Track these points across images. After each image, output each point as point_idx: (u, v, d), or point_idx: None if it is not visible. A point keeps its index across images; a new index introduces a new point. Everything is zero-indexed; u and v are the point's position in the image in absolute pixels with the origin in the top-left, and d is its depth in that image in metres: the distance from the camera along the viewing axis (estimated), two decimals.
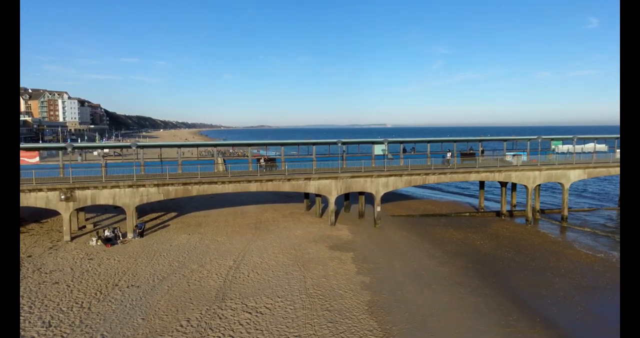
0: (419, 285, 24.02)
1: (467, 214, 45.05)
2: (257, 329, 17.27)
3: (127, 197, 31.31)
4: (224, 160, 37.49)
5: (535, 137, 41.77)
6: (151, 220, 38.03)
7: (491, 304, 22.06)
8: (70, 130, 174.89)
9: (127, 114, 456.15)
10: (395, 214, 44.22)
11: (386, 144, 38.58)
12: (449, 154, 40.50)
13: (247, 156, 41.02)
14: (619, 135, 46.83)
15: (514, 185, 49.11)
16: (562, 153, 45.13)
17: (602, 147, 47.61)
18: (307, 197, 43.83)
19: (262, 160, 37.57)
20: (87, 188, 30.33)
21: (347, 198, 44.26)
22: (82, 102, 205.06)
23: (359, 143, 42.48)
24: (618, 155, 45.51)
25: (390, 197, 55.65)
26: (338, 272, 24.64)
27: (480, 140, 43.05)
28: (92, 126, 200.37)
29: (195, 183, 32.60)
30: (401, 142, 42.34)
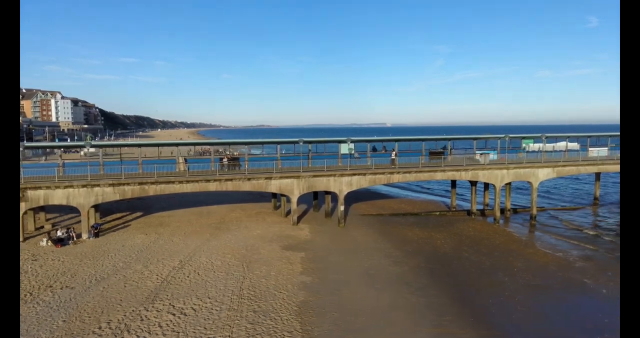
0: (363, 284, 23.80)
1: (438, 213, 44.79)
2: (174, 331, 17.05)
3: (82, 197, 31.09)
4: (185, 159, 37.20)
5: (503, 135, 41.45)
6: (114, 220, 37.84)
7: (432, 304, 21.83)
8: (63, 130, 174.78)
9: (125, 114, 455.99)
10: (365, 213, 43.99)
11: (348, 142, 38.30)
12: (393, 154, 40.06)
13: (215, 155, 40.71)
14: (590, 134, 46.60)
15: (486, 185, 48.84)
16: (533, 152, 44.81)
17: (574, 145, 47.31)
18: (274, 197, 43.61)
19: (224, 160, 37.32)
20: (40, 188, 30.10)
21: (316, 197, 44.04)
22: (75, 102, 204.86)
23: (321, 142, 42.20)
24: (592, 154, 45.25)
25: (366, 197, 55.47)
26: (281, 272, 24.40)
27: (449, 139, 42.76)
28: (86, 126, 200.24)
29: (152, 183, 32.37)
30: (368, 141, 42.05)
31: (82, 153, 71.46)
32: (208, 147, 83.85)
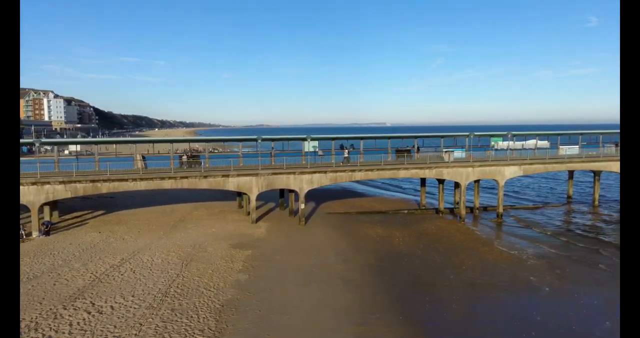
0: (300, 283, 23.51)
1: (406, 211, 44.49)
2: (82, 330, 16.76)
3: (32, 195, 30.82)
4: (143, 157, 36.90)
5: (467, 133, 41.11)
6: (73, 218, 37.58)
7: (365, 302, 21.55)
8: (56, 129, 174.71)
9: (123, 114, 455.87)
10: (332, 212, 43.71)
11: (308, 140, 37.99)
12: (345, 152, 39.67)
13: (179, 153, 40.39)
14: (561, 132, 46.25)
15: (457, 183, 48.53)
16: (502, 150, 44.51)
17: (544, 143, 46.96)
18: (239, 195, 43.32)
19: (184, 157, 37.04)
20: None
21: (282, 195, 43.74)
22: (69, 101, 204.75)
23: (280, 139, 41.90)
24: (562, 152, 44.92)
25: (341, 195, 55.23)
26: (218, 271, 24.12)
27: (416, 137, 42.43)
28: (79, 125, 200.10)
29: (105, 181, 32.09)
30: (333, 139, 41.72)
31: (66, 152, 71.46)
32: (197, 145, 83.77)
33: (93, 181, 31.87)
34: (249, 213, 39.83)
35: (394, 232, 35.78)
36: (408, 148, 43.16)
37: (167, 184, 33.54)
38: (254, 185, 35.40)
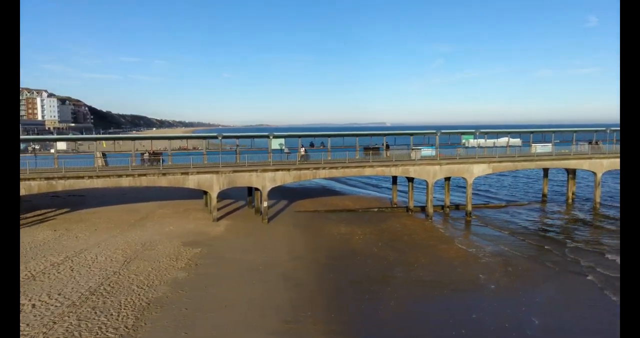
0: (241, 280, 23.23)
1: (376, 210, 44.18)
2: None
3: None
4: (103, 154, 36.63)
5: (434, 131, 40.78)
6: (35, 216, 37.32)
7: (301, 300, 21.28)
8: (49, 128, 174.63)
9: (121, 113, 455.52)
10: (301, 210, 43.41)
11: (271, 137, 37.70)
12: (302, 149, 39.28)
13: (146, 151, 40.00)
14: (534, 130, 45.86)
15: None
16: (473, 147, 44.16)
17: (516, 141, 46.58)
18: (205, 193, 43.00)
19: (145, 154, 36.76)
20: None
21: (250, 194, 43.44)
22: (63, 100, 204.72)
23: (241, 137, 41.62)
24: (534, 150, 44.51)
25: (315, 194, 54.94)
26: (159, 269, 23.85)
27: (385, 135, 42.07)
28: (73, 124, 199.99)
29: (60, 178, 31.82)
30: (299, 136, 41.39)
31: (52, 151, 71.19)
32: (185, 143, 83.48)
33: (48, 179, 31.61)
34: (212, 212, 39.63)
35: (356, 230, 35.47)
36: (377, 146, 42.79)
37: (125, 182, 33.27)
38: (214, 183, 35.11)
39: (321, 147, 45.65)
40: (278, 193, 53.90)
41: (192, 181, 34.67)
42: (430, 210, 40.15)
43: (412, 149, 40.82)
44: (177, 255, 26.38)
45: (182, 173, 34.29)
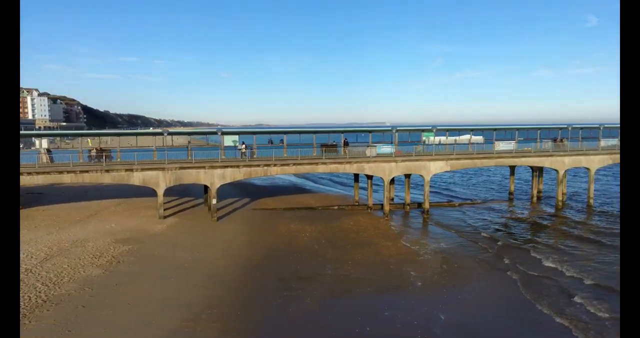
0: (160, 278, 22.76)
1: (336, 207, 43.65)
2: None
3: None
4: (48, 150, 36.14)
5: (390, 128, 40.22)
6: None
7: (215, 298, 20.81)
8: (39, 127, 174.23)
9: (118, 113, 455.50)
10: (260, 208, 42.95)
11: (219, 133, 37.17)
12: (242, 146, 38.69)
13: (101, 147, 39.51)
14: (497, 127, 45.27)
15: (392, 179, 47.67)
16: (432, 145, 43.59)
17: (478, 138, 45.97)
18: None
19: (92, 152, 36.27)
20: None
21: (206, 191, 42.91)
22: (54, 99, 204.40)
23: (186, 133, 41.09)
24: (498, 147, 43.93)
25: (283, 191, 54.57)
26: (75, 266, 23.36)
27: (342, 132, 41.51)
28: (64, 123, 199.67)
29: None
30: (254, 133, 40.87)
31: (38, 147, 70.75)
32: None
33: None
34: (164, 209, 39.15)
35: (306, 228, 34.95)
36: (334, 143, 42.21)
37: (67, 178, 32.77)
38: (160, 180, 34.61)
39: (280, 144, 45.17)
40: (242, 191, 53.60)
41: (137, 178, 34.18)
42: (387, 207, 39.65)
43: (368, 146, 40.25)
44: (102, 253, 25.87)
45: (127, 170, 33.80)
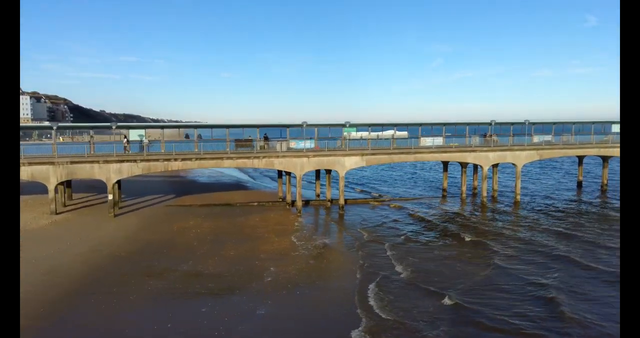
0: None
1: (256, 204, 42.60)
2: None
3: None
4: None
5: (301, 123, 39.02)
6: None
7: (27, 294, 19.64)
8: None
9: (112, 112, 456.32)
10: (175, 204, 41.95)
11: (113, 127, 36.09)
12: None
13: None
14: (422, 122, 44.07)
15: (317, 174, 46.63)
16: (355, 139, 42.48)
17: (402, 134, 44.78)
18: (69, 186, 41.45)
19: None
20: None
21: (120, 187, 41.85)
22: (38, 98, 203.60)
23: (76, 128, 39.99)
24: (424, 143, 42.76)
25: (217, 188, 53.48)
26: None
27: (259, 126, 40.31)
28: (47, 123, 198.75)
29: None
30: (162, 127, 39.79)
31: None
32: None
33: None
34: (64, 204, 38.17)
35: (204, 224, 33.95)
36: (249, 138, 41.07)
37: None
38: (51, 175, 33.49)
39: (199, 139, 44.08)
40: (174, 187, 52.59)
41: (24, 173, 33.06)
42: (299, 203, 38.52)
43: (279, 141, 39.10)
44: None
45: None
